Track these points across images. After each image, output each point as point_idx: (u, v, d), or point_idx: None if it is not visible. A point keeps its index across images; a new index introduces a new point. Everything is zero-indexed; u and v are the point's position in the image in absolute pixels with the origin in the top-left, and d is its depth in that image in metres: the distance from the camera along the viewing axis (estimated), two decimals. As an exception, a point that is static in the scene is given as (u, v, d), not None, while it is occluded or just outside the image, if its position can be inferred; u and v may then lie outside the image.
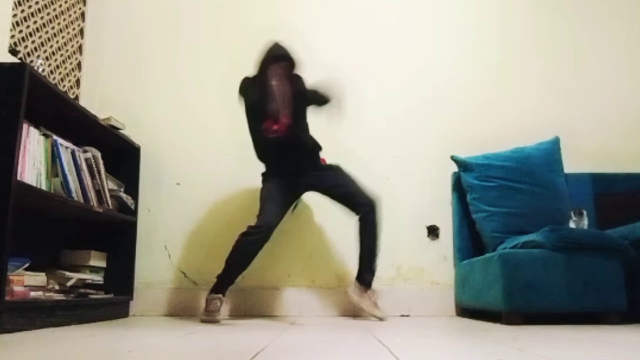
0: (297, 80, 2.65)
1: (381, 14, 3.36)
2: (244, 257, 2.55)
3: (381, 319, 2.56)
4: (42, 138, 2.18)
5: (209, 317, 2.49)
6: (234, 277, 2.61)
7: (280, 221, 2.61)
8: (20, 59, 2.41)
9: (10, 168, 1.85)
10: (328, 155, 2.84)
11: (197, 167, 3.15)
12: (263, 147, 2.70)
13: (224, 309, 2.98)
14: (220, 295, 2.55)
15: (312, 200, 3.01)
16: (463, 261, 2.94)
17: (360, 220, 2.64)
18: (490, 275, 2.47)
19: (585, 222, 2.66)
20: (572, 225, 2.67)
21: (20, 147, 1.91)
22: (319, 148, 2.76)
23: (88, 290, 2.53)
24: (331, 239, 3.07)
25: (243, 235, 2.53)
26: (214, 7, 3.33)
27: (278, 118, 2.57)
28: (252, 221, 2.61)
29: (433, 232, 3.13)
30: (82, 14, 3.11)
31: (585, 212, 2.69)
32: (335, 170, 2.74)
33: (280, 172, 2.70)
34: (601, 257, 2.37)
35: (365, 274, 2.64)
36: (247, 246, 2.52)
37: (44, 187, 2.14)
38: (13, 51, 2.39)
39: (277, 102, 2.56)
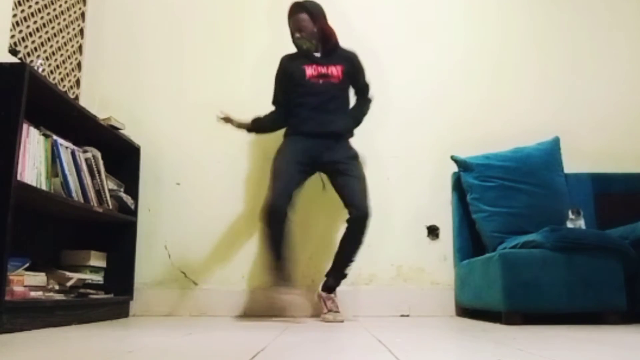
0: (350, 57, 2.80)
1: (380, 14, 3.36)
2: (271, 242, 2.53)
3: (333, 321, 2.53)
4: (42, 138, 2.18)
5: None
6: (279, 265, 2.54)
7: (292, 194, 2.57)
8: (20, 59, 2.41)
9: (10, 168, 1.85)
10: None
11: (197, 167, 3.15)
12: (306, 97, 2.70)
13: (224, 309, 2.98)
14: (282, 289, 2.53)
15: (312, 199, 3.00)
16: (463, 261, 2.94)
17: (348, 226, 2.61)
18: (490, 275, 2.47)
19: (582, 222, 2.66)
20: (569, 224, 2.67)
21: (20, 147, 1.91)
22: (350, 133, 2.77)
23: (88, 290, 2.53)
24: (331, 240, 3.07)
25: (260, 220, 2.54)
26: (214, 7, 3.33)
27: (316, 60, 2.73)
28: (253, 220, 2.61)
29: (433, 232, 3.13)
30: (82, 14, 3.11)
31: (582, 212, 2.69)
32: (354, 159, 2.71)
33: (314, 136, 2.67)
34: (601, 257, 2.37)
35: (331, 279, 2.66)
36: (267, 232, 2.53)
37: (44, 187, 2.14)
38: (13, 51, 2.39)
39: (308, 45, 2.72)
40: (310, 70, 2.72)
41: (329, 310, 2.59)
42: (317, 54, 2.77)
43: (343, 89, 2.76)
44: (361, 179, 2.67)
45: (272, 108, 2.87)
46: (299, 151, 2.65)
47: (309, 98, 2.70)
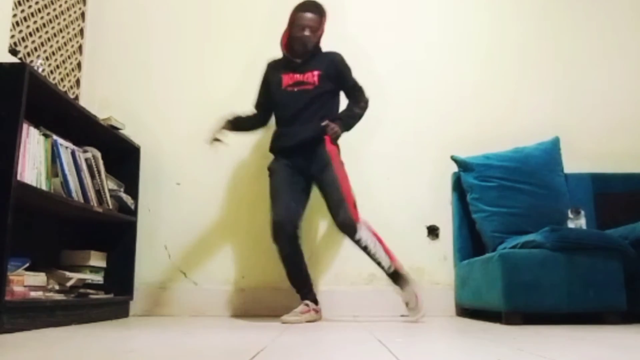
0: (331, 59, 2.74)
1: (380, 14, 3.35)
2: (286, 262, 2.59)
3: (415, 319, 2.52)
4: (42, 138, 2.18)
5: (290, 317, 2.48)
6: (300, 282, 2.64)
7: (297, 209, 2.59)
8: (20, 59, 2.41)
9: (10, 168, 1.85)
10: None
11: (197, 167, 3.15)
12: (281, 109, 2.70)
13: (224, 309, 2.98)
14: (306, 302, 2.58)
15: (311, 200, 3.00)
16: (463, 261, 2.94)
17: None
18: (490, 275, 2.47)
19: (582, 221, 2.66)
20: (569, 224, 2.67)
21: (20, 147, 1.91)
22: (324, 132, 2.64)
23: (88, 290, 2.53)
24: (331, 239, 3.07)
25: (273, 241, 2.57)
26: (214, 6, 3.33)
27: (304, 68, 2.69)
28: (253, 220, 2.60)
29: (433, 232, 3.13)
30: (82, 14, 3.11)
31: (582, 211, 2.69)
32: (327, 165, 2.61)
33: (288, 151, 2.66)
34: (601, 257, 2.37)
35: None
36: (280, 253, 2.57)
37: (44, 187, 2.14)
38: (13, 51, 2.39)
39: (310, 47, 2.69)
40: (287, 79, 2.71)
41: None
42: (298, 60, 2.72)
43: (320, 95, 2.68)
44: (335, 183, 2.56)
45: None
46: (287, 168, 2.65)
47: (283, 111, 2.71)
